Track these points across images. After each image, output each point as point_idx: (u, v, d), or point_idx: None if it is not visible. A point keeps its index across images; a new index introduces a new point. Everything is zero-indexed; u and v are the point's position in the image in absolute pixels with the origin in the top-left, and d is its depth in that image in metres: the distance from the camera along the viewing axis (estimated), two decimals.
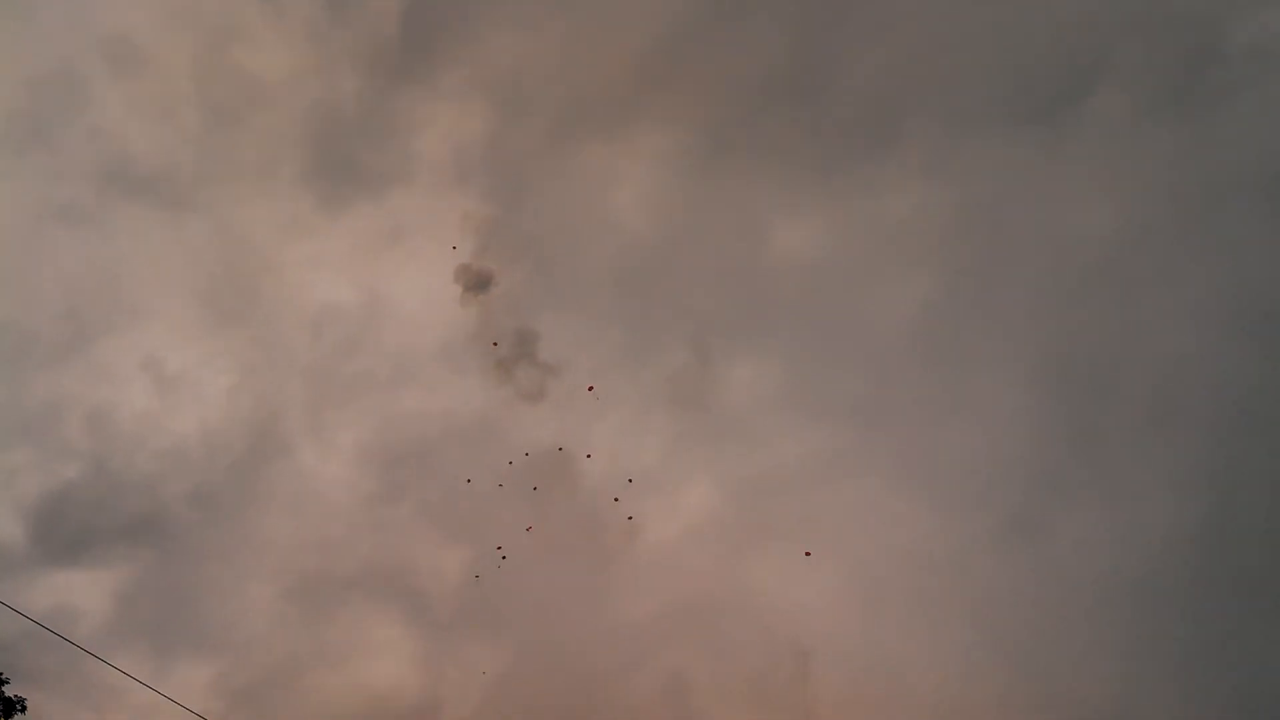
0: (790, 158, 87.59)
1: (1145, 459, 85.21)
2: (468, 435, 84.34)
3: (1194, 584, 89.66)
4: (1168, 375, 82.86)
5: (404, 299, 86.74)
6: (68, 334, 78.09)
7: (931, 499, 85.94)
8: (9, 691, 30.36)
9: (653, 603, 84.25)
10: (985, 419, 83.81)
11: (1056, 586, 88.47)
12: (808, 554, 69.17)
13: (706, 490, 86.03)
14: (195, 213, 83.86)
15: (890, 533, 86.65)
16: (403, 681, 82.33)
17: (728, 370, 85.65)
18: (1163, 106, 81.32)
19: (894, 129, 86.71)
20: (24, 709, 30.61)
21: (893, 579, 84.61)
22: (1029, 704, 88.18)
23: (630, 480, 70.35)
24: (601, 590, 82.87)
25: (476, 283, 75.60)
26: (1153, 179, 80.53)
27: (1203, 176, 79.11)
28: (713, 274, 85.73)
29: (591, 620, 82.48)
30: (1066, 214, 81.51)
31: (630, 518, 71.84)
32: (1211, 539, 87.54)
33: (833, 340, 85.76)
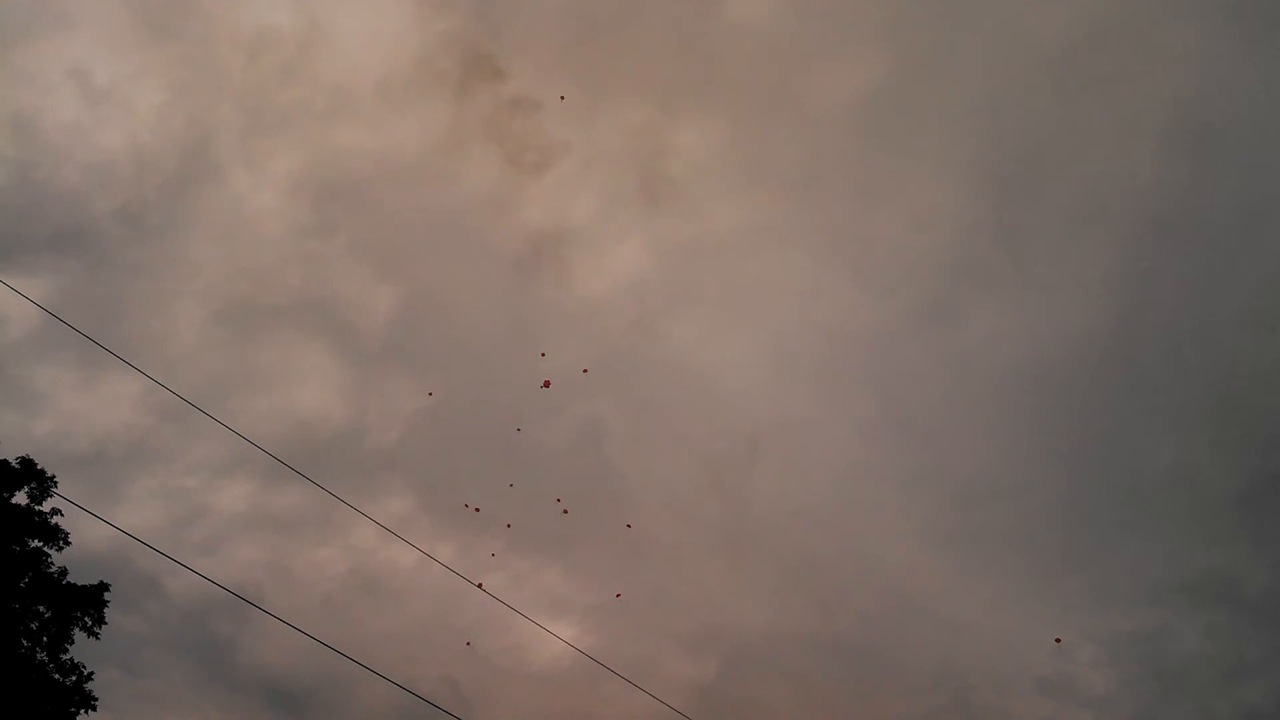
0: None
1: (1065, 259, 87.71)
2: (406, 174, 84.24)
3: (1096, 381, 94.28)
4: (1097, 180, 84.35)
5: (345, 28, 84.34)
6: None
7: (855, 278, 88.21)
8: None
9: (576, 353, 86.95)
10: (915, 205, 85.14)
11: (965, 372, 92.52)
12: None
13: (637, 250, 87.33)
14: None
15: (811, 307, 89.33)
16: (328, 410, 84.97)
17: (671, 134, 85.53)
18: None
19: None
20: None
21: (808, 351, 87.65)
22: (924, 475, 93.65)
23: None
24: (529, 334, 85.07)
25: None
26: None
27: None
28: (667, 35, 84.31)
29: (515, 364, 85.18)
30: (1022, 11, 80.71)
31: None
32: (1118, 341, 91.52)
33: (776, 112, 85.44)
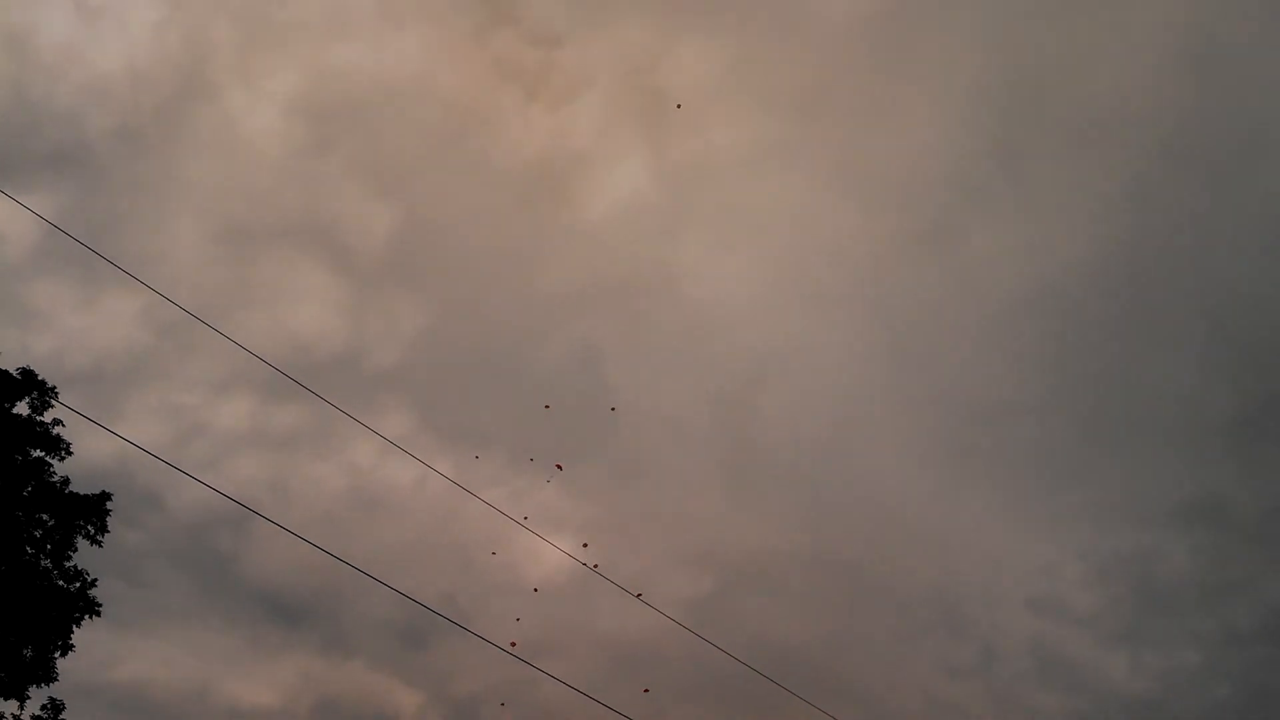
0: None
1: (1066, 182, 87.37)
2: (404, 94, 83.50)
3: (1093, 304, 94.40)
4: (1099, 103, 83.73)
5: None
6: None
7: (857, 199, 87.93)
8: None
9: (575, 274, 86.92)
10: (917, 127, 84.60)
11: (964, 294, 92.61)
12: None
13: (639, 170, 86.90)
14: None
15: (811, 229, 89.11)
16: (327, 330, 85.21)
17: (673, 48, 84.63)
18: None
19: None
20: None
21: (808, 273, 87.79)
22: (920, 397, 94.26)
23: None
24: (528, 257, 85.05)
25: None
26: None
27: None
28: None
29: (515, 285, 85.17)
30: None
31: None
32: (1117, 264, 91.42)
33: (778, 34, 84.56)
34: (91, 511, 30.25)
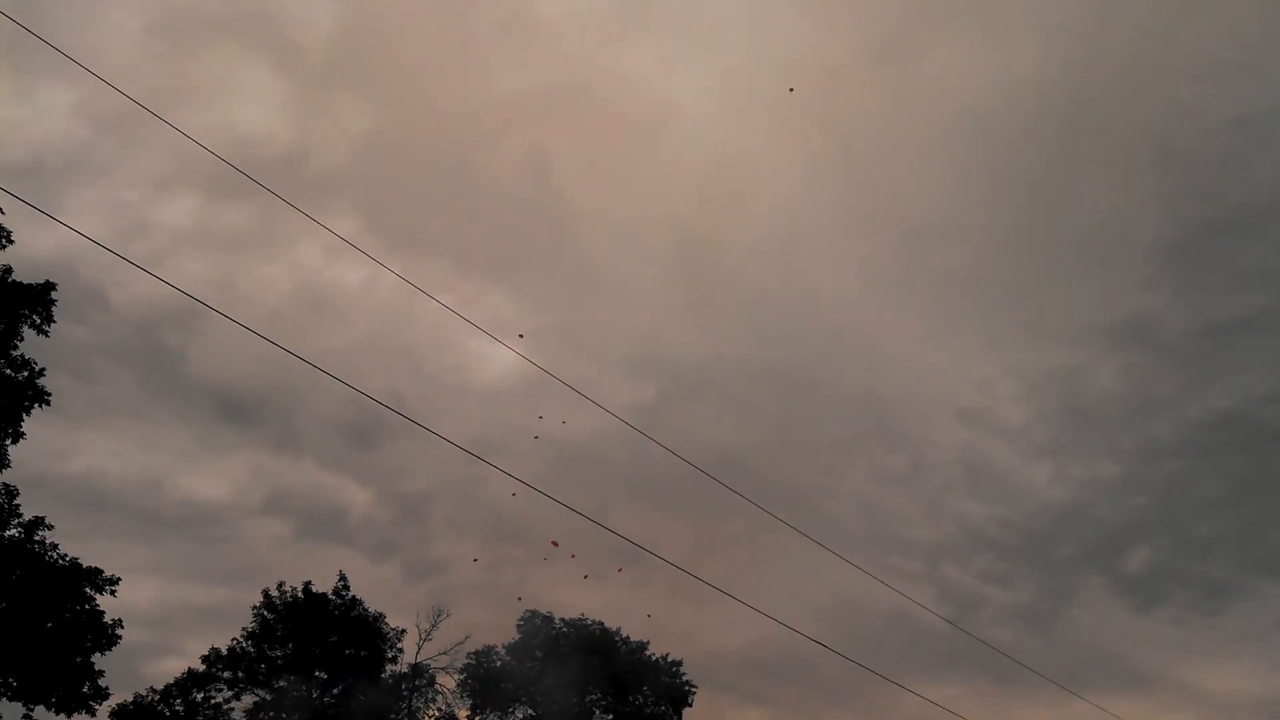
0: None
1: (1024, 2, 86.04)
2: None
3: (1043, 127, 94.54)
4: None
5: None
6: None
7: (813, 13, 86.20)
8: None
9: (526, 78, 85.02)
10: None
11: (914, 112, 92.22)
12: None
13: None
14: None
15: (768, 40, 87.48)
16: (270, 130, 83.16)
17: None
18: None
19: None
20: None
21: (762, 85, 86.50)
22: (867, 214, 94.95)
23: None
24: (478, 58, 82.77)
25: None
26: None
27: None
28: None
29: (464, 89, 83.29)
30: None
31: None
32: (1069, 88, 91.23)
33: None
34: (36, 301, 30.05)
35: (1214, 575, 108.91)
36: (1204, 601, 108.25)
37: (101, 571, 32.83)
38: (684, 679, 52.96)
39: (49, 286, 30.28)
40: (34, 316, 30.09)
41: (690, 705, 52.53)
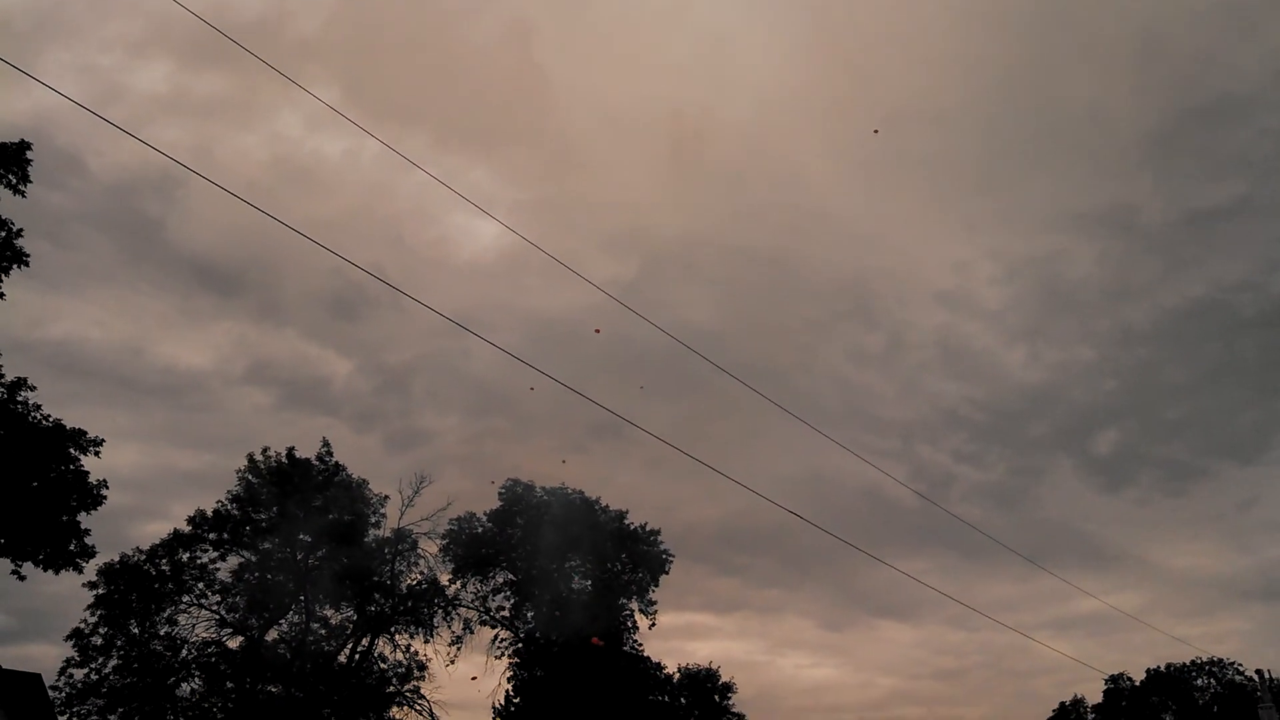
0: None
1: None
2: None
3: (1028, 12, 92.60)
4: None
5: None
6: None
7: None
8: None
9: None
10: None
11: None
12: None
13: None
14: None
15: None
16: None
17: None
18: None
19: None
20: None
21: None
22: (850, 98, 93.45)
23: None
24: None
25: None
26: None
27: None
28: None
29: None
30: None
31: None
32: None
33: None
34: (12, 160, 29.56)
35: (1179, 458, 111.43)
36: (1168, 483, 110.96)
37: (85, 433, 33.06)
38: (662, 548, 54.23)
39: (24, 145, 29.72)
40: (9, 176, 29.62)
41: (667, 573, 53.89)
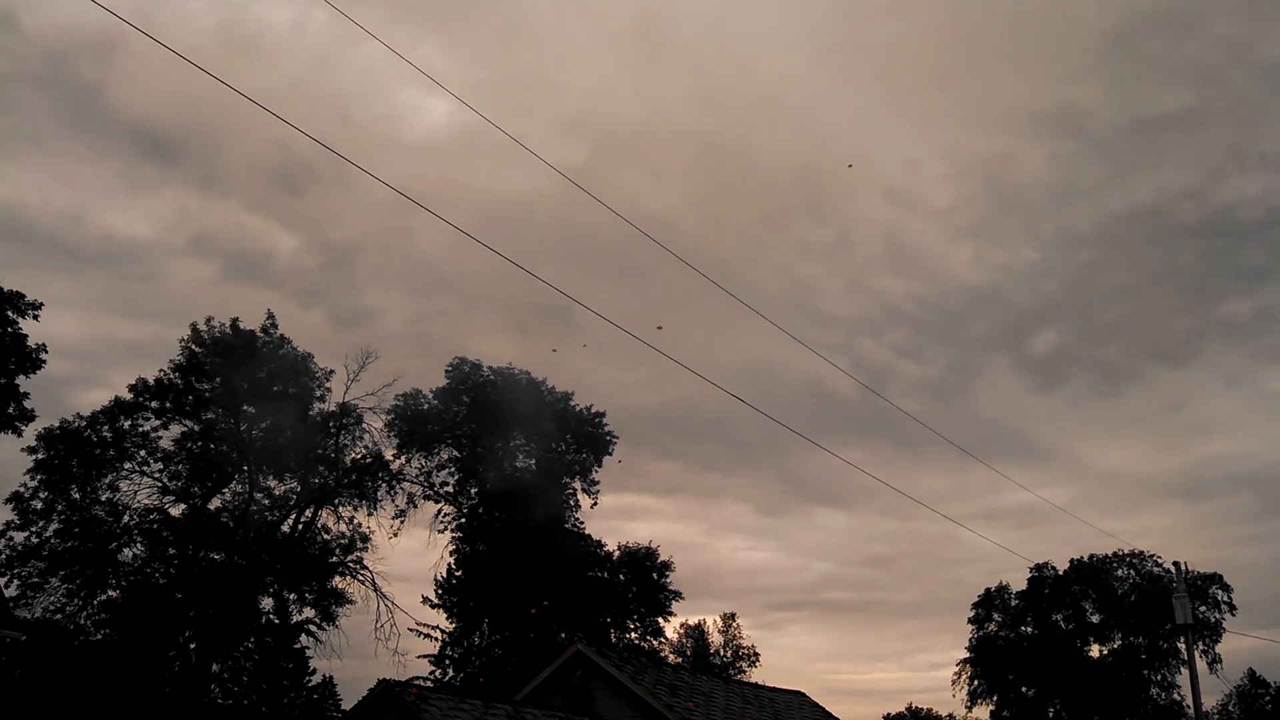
0: None
1: None
2: None
3: None
4: None
5: None
6: None
7: None
8: None
9: None
10: None
11: None
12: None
13: None
14: None
15: None
16: None
17: None
18: None
19: None
20: None
21: None
22: None
23: None
24: None
25: None
26: None
27: None
28: None
29: None
30: None
31: None
32: None
33: None
34: None
35: (1113, 360, 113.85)
36: (1101, 384, 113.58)
37: (24, 296, 32.54)
38: (606, 430, 54.82)
39: None
40: None
41: (610, 455, 54.57)
